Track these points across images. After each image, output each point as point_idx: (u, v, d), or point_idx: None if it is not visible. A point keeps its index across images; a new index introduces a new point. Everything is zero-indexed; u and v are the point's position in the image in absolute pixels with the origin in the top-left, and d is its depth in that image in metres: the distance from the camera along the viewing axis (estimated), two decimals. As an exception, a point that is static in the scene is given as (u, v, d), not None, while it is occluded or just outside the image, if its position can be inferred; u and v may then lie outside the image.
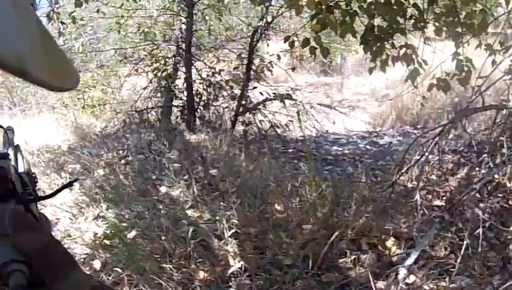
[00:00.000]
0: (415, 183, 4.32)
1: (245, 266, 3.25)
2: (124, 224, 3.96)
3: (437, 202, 4.42)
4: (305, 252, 3.35)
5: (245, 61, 7.30)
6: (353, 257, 3.40)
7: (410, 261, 3.14)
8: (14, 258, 0.52)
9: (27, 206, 0.75)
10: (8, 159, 0.81)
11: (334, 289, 3.12)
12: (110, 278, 3.25)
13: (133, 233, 3.77)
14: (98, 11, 7.16)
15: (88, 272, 3.47)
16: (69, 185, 0.90)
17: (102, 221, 4.21)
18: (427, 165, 4.58)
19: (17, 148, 1.06)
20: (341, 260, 3.42)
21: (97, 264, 3.53)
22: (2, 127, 0.94)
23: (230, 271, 3.21)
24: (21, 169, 0.97)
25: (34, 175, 1.06)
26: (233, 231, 3.54)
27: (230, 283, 3.17)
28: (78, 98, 9.81)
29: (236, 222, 3.67)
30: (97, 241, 3.90)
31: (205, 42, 8.49)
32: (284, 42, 4.44)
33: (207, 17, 8.24)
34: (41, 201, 0.88)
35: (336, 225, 3.60)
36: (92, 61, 10.84)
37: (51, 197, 0.88)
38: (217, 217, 3.80)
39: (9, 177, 0.72)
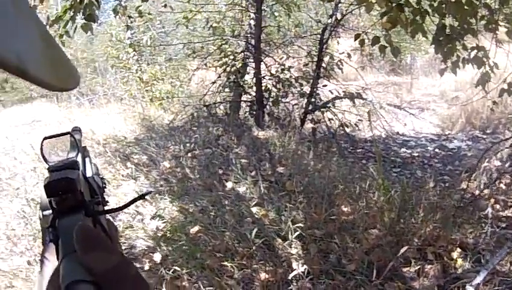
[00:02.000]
0: (483, 191, 4.16)
1: (308, 269, 3.15)
2: (188, 218, 3.94)
3: (506, 213, 4.24)
4: (369, 258, 3.24)
5: (315, 59, 7.20)
6: (418, 267, 3.25)
7: (478, 279, 2.98)
8: (82, 278, 0.49)
9: (96, 218, 0.70)
10: (77, 167, 0.76)
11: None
12: (169, 272, 3.21)
13: (196, 228, 3.74)
14: (165, 5, 7.23)
15: (148, 265, 3.49)
16: (142, 197, 0.85)
17: (165, 214, 4.20)
18: (497, 173, 4.41)
19: (85, 151, 1.02)
20: (405, 269, 3.29)
21: (157, 257, 3.51)
22: (70, 134, 0.86)
23: (292, 274, 3.12)
24: (89, 174, 0.94)
25: (102, 179, 1.02)
26: (298, 233, 3.43)
27: (292, 286, 3.08)
28: (146, 91, 9.96)
29: (301, 225, 3.56)
30: (159, 234, 3.89)
31: (274, 38, 8.43)
32: (355, 40, 4.37)
33: (276, 13, 8.20)
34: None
35: (402, 232, 3.48)
36: (160, 55, 10.97)
37: (122, 209, 0.83)
38: (283, 217, 3.71)
39: (79, 188, 0.67)
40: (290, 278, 3.08)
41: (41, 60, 0.30)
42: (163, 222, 4.05)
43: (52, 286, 0.58)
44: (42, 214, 0.73)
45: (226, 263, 3.20)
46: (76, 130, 1.13)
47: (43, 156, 0.77)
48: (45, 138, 0.79)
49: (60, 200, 0.65)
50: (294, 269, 3.13)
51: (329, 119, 7.16)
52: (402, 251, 3.10)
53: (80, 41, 14.83)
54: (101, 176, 1.02)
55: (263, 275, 3.15)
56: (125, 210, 4.42)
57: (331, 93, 7.18)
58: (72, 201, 0.65)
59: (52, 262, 0.62)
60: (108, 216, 0.86)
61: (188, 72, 9.87)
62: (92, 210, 0.68)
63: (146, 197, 0.93)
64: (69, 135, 0.86)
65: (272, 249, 3.41)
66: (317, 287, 3.01)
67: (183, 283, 3.13)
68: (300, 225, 3.52)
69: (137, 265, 3.48)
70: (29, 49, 0.28)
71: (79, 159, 0.82)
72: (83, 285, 0.48)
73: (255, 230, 3.45)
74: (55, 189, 0.64)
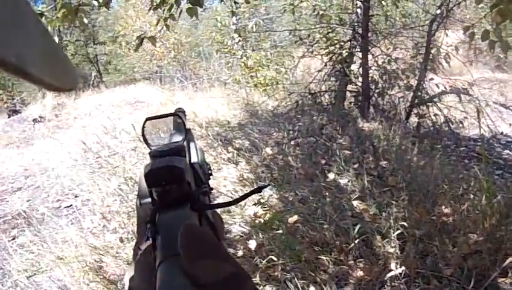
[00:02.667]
0: None
1: (404, 271, 3.09)
2: (287, 207, 3.95)
3: None
4: (467, 264, 3.13)
5: (421, 51, 7.05)
6: (515, 279, 3.11)
7: None
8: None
9: (202, 212, 0.64)
10: (184, 154, 0.70)
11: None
12: (263, 261, 3.19)
13: (295, 218, 3.70)
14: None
15: (241, 252, 3.51)
16: (258, 190, 0.74)
17: (265, 201, 4.22)
18: None
19: (189, 135, 0.94)
20: (500, 280, 3.16)
21: (253, 244, 3.49)
22: (177, 115, 0.81)
23: (390, 275, 3.05)
24: (194, 160, 0.87)
25: (208, 166, 0.95)
26: (399, 231, 3.33)
27: (386, 287, 3.03)
28: (250, 76, 10.02)
29: (403, 223, 3.47)
30: (256, 221, 3.89)
31: (381, 28, 8.29)
32: (464, 33, 4.22)
33: (383, 2, 8.06)
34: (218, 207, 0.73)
35: (502, 240, 3.34)
36: (266, 41, 11.01)
37: (233, 204, 0.74)
38: (383, 214, 3.63)
39: (186, 179, 0.61)
40: (386, 278, 3.03)
41: (40, 60, 0.31)
42: (263, 209, 4.08)
43: (143, 286, 0.55)
44: (140, 202, 0.68)
45: (322, 257, 3.15)
46: (180, 111, 1.13)
47: (145, 138, 0.73)
48: (148, 119, 0.74)
49: (162, 192, 0.59)
50: (391, 269, 3.06)
51: (434, 114, 6.99)
52: (506, 262, 2.97)
53: (184, 26, 15.06)
54: (207, 164, 0.98)
55: (359, 273, 3.10)
56: (224, 193, 4.48)
57: (437, 87, 7.00)
58: (176, 193, 0.59)
59: (147, 259, 0.56)
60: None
61: (293, 59, 9.87)
62: (200, 204, 0.62)
63: (262, 190, 0.81)
64: (173, 117, 0.81)
65: (370, 246, 3.33)
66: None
67: (276, 273, 3.10)
68: (401, 223, 3.45)
69: (231, 251, 3.50)
70: (28, 49, 0.28)
71: (185, 144, 0.76)
72: None
73: (358, 226, 3.39)
74: (158, 178, 0.59)
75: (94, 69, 27.00)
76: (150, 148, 0.71)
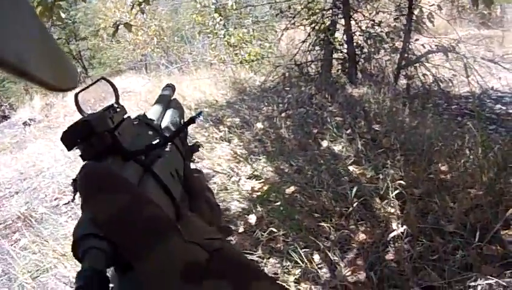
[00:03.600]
0: None
1: (406, 230, 3.07)
2: (284, 179, 3.93)
3: None
4: (469, 219, 3.11)
5: (404, 12, 7.00)
6: (517, 230, 3.09)
7: None
8: (91, 232, 0.41)
9: (142, 163, 0.62)
10: (112, 111, 0.67)
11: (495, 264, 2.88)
12: (264, 234, 3.19)
13: (292, 188, 3.71)
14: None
15: (242, 228, 3.50)
16: (192, 121, 0.73)
17: (260, 175, 4.20)
18: None
19: (170, 103, 1.04)
20: (504, 232, 3.14)
21: (253, 219, 3.49)
22: (103, 79, 0.83)
23: (392, 235, 3.03)
24: (164, 124, 0.90)
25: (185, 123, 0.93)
26: (397, 191, 3.31)
27: (389, 247, 3.01)
28: (235, 54, 10.01)
29: (401, 182, 3.44)
30: (254, 196, 3.88)
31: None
32: (446, -10, 4.19)
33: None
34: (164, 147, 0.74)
35: (501, 192, 3.31)
36: (247, 18, 10.97)
37: (165, 143, 0.71)
38: (380, 176, 3.60)
39: (103, 129, 0.58)
40: (389, 239, 3.01)
41: (40, 60, 0.30)
42: (259, 182, 4.06)
43: None
44: None
45: (323, 224, 3.14)
46: (169, 86, 1.17)
47: (80, 110, 0.73)
48: (77, 93, 0.75)
49: (83, 149, 0.58)
50: (393, 230, 3.05)
51: (423, 75, 6.97)
52: (507, 214, 2.94)
53: (164, 12, 15.06)
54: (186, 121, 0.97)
55: (361, 236, 3.09)
56: (220, 171, 4.47)
57: (423, 47, 6.97)
58: (98, 146, 0.57)
59: None
60: (196, 168, 0.80)
61: (275, 33, 9.84)
62: (130, 152, 0.61)
63: (198, 118, 0.79)
64: (101, 82, 0.82)
65: (370, 209, 3.32)
66: (415, 249, 2.92)
67: (278, 245, 3.11)
68: (399, 182, 3.43)
69: (233, 227, 3.50)
70: (28, 49, 0.28)
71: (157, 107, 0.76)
72: (94, 240, 0.41)
73: (355, 189, 3.37)
74: (69, 136, 0.57)
75: (79, 65, 26.96)
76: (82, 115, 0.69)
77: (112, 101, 0.75)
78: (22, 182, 7.34)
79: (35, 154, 8.84)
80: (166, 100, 1.07)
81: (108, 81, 0.79)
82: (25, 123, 12.19)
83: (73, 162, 6.72)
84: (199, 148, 0.91)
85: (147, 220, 0.42)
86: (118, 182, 0.45)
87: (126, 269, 0.44)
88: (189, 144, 0.92)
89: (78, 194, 0.47)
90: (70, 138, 0.57)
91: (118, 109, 0.70)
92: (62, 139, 0.57)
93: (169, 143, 0.75)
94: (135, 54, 15.05)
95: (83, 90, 0.76)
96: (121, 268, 0.45)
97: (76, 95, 0.74)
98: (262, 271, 0.45)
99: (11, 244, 4.72)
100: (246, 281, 0.42)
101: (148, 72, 14.51)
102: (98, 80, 0.81)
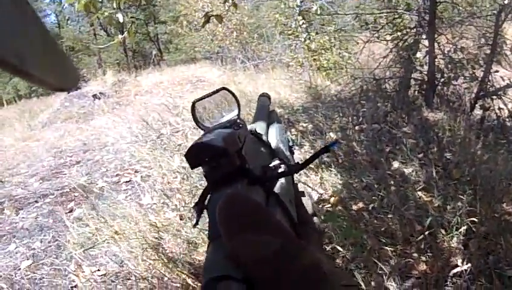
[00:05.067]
0: None
1: (469, 269, 2.98)
2: (352, 194, 3.90)
3: None
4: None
5: (489, 42, 6.86)
6: None
7: None
8: (228, 274, 0.38)
9: (266, 187, 0.58)
10: (236, 127, 0.63)
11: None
12: (327, 248, 3.11)
13: (359, 205, 3.67)
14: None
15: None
16: (326, 150, 0.68)
17: (329, 186, 4.17)
18: None
19: (270, 116, 0.97)
20: None
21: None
22: (225, 89, 0.72)
23: (455, 271, 2.97)
24: (273, 141, 0.83)
25: (291, 144, 0.89)
26: (465, 227, 3.22)
27: (448, 282, 2.95)
28: (314, 59, 9.96)
29: (473, 219, 3.29)
30: (320, 205, 3.83)
31: (448, 15, 8.09)
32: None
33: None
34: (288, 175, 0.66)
35: None
36: (330, 25, 10.90)
37: (300, 169, 0.66)
38: (448, 207, 3.54)
39: (233, 150, 0.54)
40: (451, 274, 2.95)
41: (40, 59, 0.30)
42: (327, 194, 4.04)
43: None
44: None
45: (387, 248, 3.09)
46: (264, 96, 1.11)
47: (196, 119, 0.67)
48: (196, 101, 0.69)
49: (209, 169, 0.54)
50: (456, 265, 2.98)
51: (499, 108, 6.81)
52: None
53: (246, 7, 15.07)
54: (290, 140, 0.92)
55: (422, 266, 3.04)
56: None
57: (502, 80, 6.80)
58: (227, 168, 0.53)
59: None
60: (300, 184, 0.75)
61: (356, 44, 9.76)
62: (257, 177, 0.57)
63: (332, 148, 0.73)
64: (224, 92, 0.72)
65: (434, 240, 3.27)
66: (470, 288, 2.85)
67: (337, 260, 3.05)
68: (469, 219, 3.34)
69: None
70: (29, 49, 0.28)
71: (236, 117, 0.69)
72: (230, 283, 0.37)
73: (429, 219, 3.31)
74: (196, 155, 0.53)
75: (155, 48, 27.29)
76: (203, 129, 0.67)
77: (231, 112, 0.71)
78: (84, 153, 7.46)
79: (101, 128, 8.98)
80: (267, 112, 1.03)
81: (230, 91, 0.72)
82: (94, 96, 12.40)
83: (138, 142, 6.73)
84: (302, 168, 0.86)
85: (305, 268, 0.37)
86: (268, 219, 0.41)
87: None
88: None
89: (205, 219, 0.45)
90: (197, 156, 0.54)
91: (241, 125, 0.65)
92: (187, 155, 0.54)
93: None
94: (213, 44, 15.09)
95: (201, 99, 0.70)
96: None
97: (193, 104, 0.69)
98: None
99: (66, 213, 4.81)
100: None
101: (224, 64, 14.55)
102: (219, 90, 0.71)
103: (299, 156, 4.81)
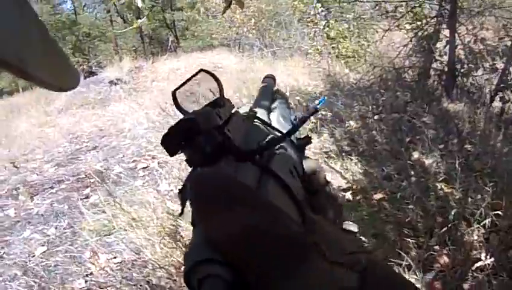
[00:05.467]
0: None
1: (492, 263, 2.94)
2: (372, 183, 3.87)
3: None
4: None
5: (510, 33, 6.77)
6: None
7: None
8: (210, 257, 0.36)
9: (259, 163, 0.56)
10: (218, 105, 0.61)
11: None
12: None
13: (379, 195, 3.64)
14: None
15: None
16: (316, 110, 0.71)
17: (350, 174, 4.14)
18: None
19: (274, 95, 0.98)
20: None
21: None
22: (203, 71, 0.70)
23: (478, 264, 2.92)
24: (274, 119, 0.84)
25: (295, 120, 0.86)
26: (489, 219, 3.16)
27: (468, 276, 2.90)
28: (332, 47, 9.92)
29: (498, 212, 3.23)
30: (341, 195, 3.79)
31: (469, 5, 8.01)
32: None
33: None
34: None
35: None
36: (349, 13, 10.83)
37: (289, 135, 0.65)
38: (469, 199, 3.50)
39: (209, 126, 0.54)
40: (474, 268, 2.91)
41: (40, 59, 0.30)
42: (347, 183, 4.02)
43: None
44: None
45: (408, 239, 3.07)
46: (269, 77, 1.12)
47: (179, 108, 0.64)
48: (175, 90, 0.66)
49: (189, 153, 0.52)
50: (479, 259, 2.94)
51: (518, 101, 6.75)
52: None
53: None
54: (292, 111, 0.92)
55: (444, 259, 3.01)
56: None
57: (523, 72, 6.74)
58: (206, 146, 0.52)
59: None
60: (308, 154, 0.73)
61: (375, 32, 9.70)
62: (245, 152, 0.54)
63: (320, 106, 0.74)
64: (203, 74, 0.70)
65: (456, 232, 3.21)
66: (492, 283, 2.81)
67: None
68: (493, 213, 3.29)
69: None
70: (29, 49, 0.28)
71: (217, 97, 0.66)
72: (211, 267, 0.36)
73: (453, 212, 3.25)
74: (171, 137, 0.52)
75: (171, 34, 27.33)
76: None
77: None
78: (101, 139, 7.47)
79: (118, 113, 8.97)
80: (270, 91, 1.03)
81: (209, 73, 0.69)
82: (111, 82, 12.41)
83: (156, 128, 6.72)
84: (311, 141, 0.83)
85: (280, 239, 0.36)
86: (240, 193, 0.38)
87: None
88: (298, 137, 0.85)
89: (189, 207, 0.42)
90: (172, 141, 0.52)
91: (222, 103, 0.64)
92: (163, 142, 0.52)
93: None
94: (230, 31, 15.09)
95: (180, 86, 0.68)
96: None
97: (174, 92, 0.67)
98: None
99: (82, 199, 4.81)
100: None
101: (241, 51, 14.54)
102: (197, 73, 0.70)
103: (318, 144, 4.79)
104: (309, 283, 0.34)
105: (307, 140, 0.82)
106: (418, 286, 2.71)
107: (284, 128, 0.79)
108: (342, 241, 0.42)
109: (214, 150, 0.52)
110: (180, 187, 0.53)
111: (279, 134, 0.71)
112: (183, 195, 0.53)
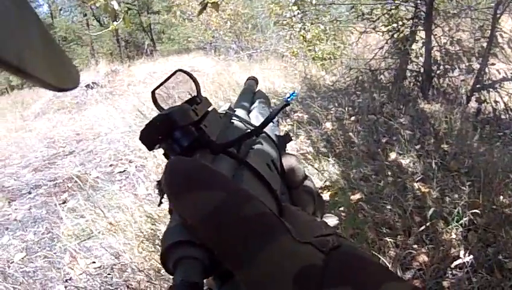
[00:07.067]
0: None
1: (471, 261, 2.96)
2: (349, 184, 3.88)
3: None
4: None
5: (486, 34, 6.84)
6: None
7: None
8: (185, 239, 0.37)
9: (234, 156, 0.57)
10: (194, 103, 0.62)
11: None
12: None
13: (357, 196, 3.65)
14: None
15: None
16: (287, 104, 0.71)
17: (327, 175, 4.15)
18: None
19: (254, 96, 1.00)
20: None
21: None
22: (180, 70, 0.71)
23: (456, 263, 2.94)
24: (254, 118, 0.85)
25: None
26: (467, 218, 3.21)
27: (447, 274, 2.92)
28: (308, 50, 9.96)
29: (475, 210, 3.28)
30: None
31: (445, 7, 8.07)
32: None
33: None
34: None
35: None
36: (325, 15, 10.88)
37: (260, 129, 0.65)
38: (447, 199, 3.53)
39: (185, 123, 0.54)
40: (453, 266, 2.93)
41: (40, 59, 0.29)
42: (324, 183, 4.02)
43: None
44: None
45: (387, 239, 3.08)
46: (251, 79, 1.15)
47: (158, 106, 0.66)
48: (155, 89, 0.67)
49: (167, 147, 0.54)
50: (458, 257, 2.96)
51: (494, 101, 6.81)
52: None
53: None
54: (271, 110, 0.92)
55: (423, 257, 3.02)
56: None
57: (498, 73, 6.80)
58: (182, 141, 0.53)
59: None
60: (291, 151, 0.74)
61: (351, 34, 9.77)
62: (219, 145, 0.57)
63: (291, 99, 0.76)
64: (180, 74, 0.71)
65: (433, 231, 3.24)
66: (473, 281, 2.84)
67: None
68: (470, 211, 3.32)
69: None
70: (29, 49, 0.27)
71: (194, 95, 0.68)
72: (187, 248, 0.37)
73: (431, 211, 3.27)
74: (149, 133, 0.53)
75: (147, 38, 27.35)
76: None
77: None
78: (78, 143, 7.44)
79: (94, 117, 8.96)
80: (251, 92, 1.05)
81: (186, 73, 0.71)
82: (87, 86, 12.35)
83: (132, 132, 6.68)
84: (291, 138, 0.85)
85: (248, 219, 0.37)
86: (210, 176, 0.40)
87: (226, 277, 0.41)
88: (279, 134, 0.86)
89: (166, 197, 0.43)
90: (150, 136, 0.53)
91: (199, 101, 0.65)
92: (141, 138, 0.53)
93: (261, 133, 0.70)
94: (206, 34, 15.11)
95: (159, 86, 0.69)
96: (220, 277, 0.42)
97: (153, 92, 0.67)
98: (389, 270, 0.37)
99: (60, 204, 4.74)
100: (375, 284, 0.35)
101: (217, 54, 14.57)
102: (174, 73, 0.71)
103: (295, 146, 4.80)
104: (273, 260, 0.35)
105: (286, 137, 0.84)
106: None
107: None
108: (311, 224, 0.44)
109: (190, 144, 0.53)
110: (158, 179, 0.53)
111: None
112: (161, 187, 0.52)
